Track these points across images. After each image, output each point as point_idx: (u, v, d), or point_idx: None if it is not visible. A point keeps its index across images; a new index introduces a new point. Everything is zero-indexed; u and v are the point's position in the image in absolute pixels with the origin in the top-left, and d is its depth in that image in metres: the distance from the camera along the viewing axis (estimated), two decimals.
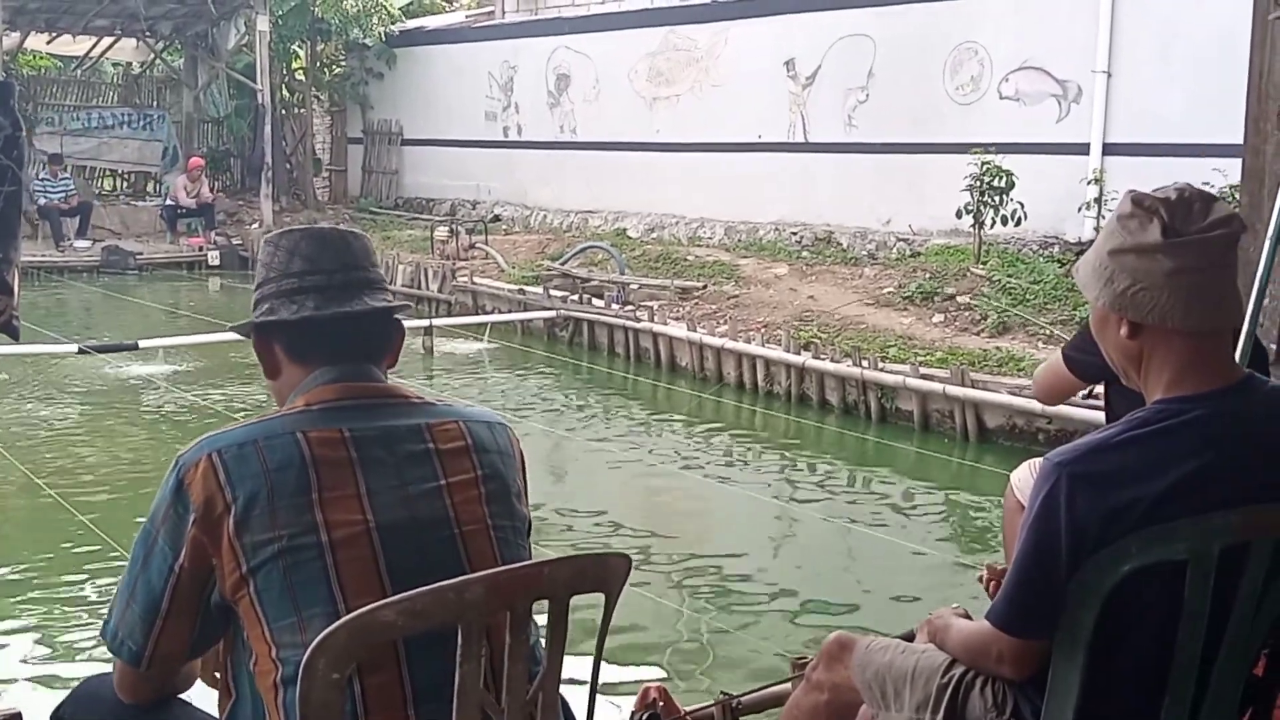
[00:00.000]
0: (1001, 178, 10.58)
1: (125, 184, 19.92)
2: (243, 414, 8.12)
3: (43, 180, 16.47)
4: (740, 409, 9.32)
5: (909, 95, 12.48)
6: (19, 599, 5.37)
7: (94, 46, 20.33)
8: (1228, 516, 1.73)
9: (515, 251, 14.33)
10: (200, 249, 16.77)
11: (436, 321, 11.39)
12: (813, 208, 13.35)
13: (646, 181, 15.13)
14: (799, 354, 9.19)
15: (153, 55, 20.51)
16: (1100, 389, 3.16)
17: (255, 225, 17.22)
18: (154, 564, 1.74)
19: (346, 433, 1.78)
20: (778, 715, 2.56)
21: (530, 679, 1.70)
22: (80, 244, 16.48)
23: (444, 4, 21.40)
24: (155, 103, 20.26)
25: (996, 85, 11.85)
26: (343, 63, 20.19)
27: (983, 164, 10.61)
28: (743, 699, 2.93)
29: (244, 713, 1.75)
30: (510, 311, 12.24)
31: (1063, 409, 6.79)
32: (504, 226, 16.50)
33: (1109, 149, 11.06)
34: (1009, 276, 10.18)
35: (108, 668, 1.91)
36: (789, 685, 2.83)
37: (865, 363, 8.70)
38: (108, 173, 19.86)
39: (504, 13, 18.57)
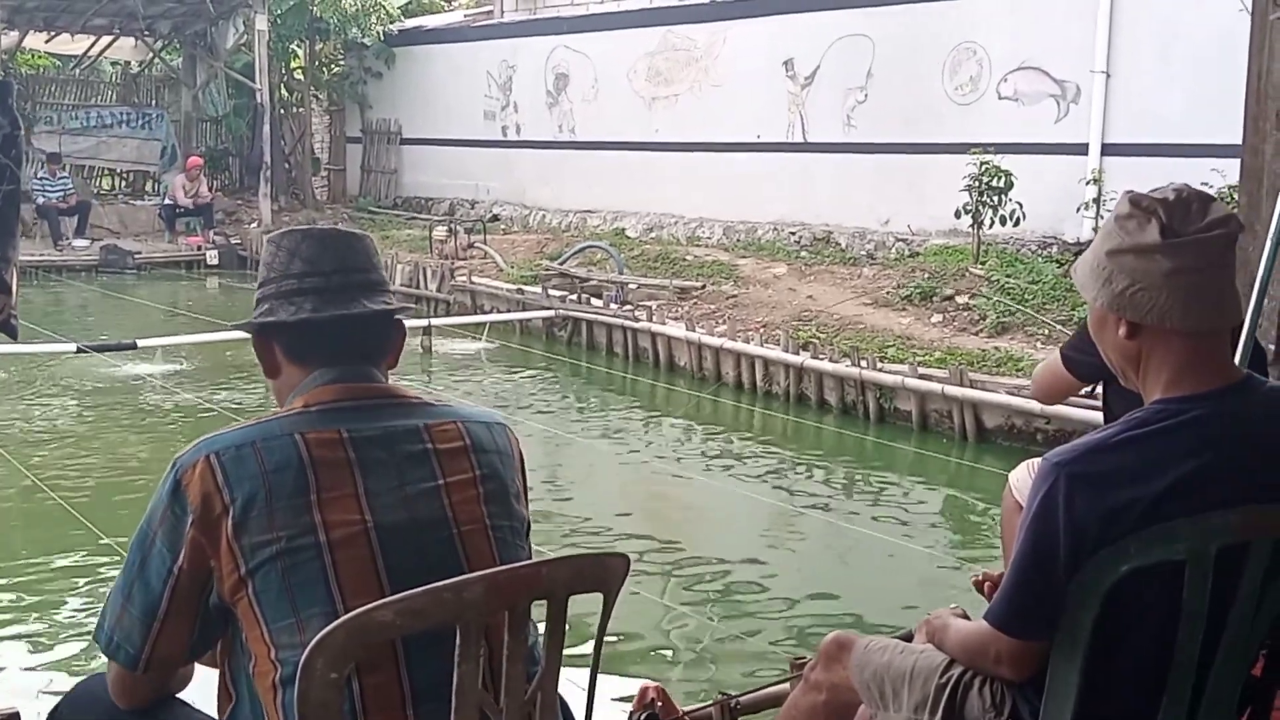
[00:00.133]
0: (1000, 178, 10.58)
1: (124, 183, 19.92)
2: (242, 413, 8.11)
3: (41, 179, 16.46)
4: (739, 409, 9.31)
5: (908, 95, 12.48)
6: (16, 598, 5.36)
7: (92, 45, 20.31)
8: (1226, 517, 1.73)
9: (514, 251, 14.34)
10: (199, 248, 16.76)
11: (435, 321, 11.37)
12: (811, 208, 13.35)
13: (645, 181, 15.13)
14: (797, 354, 9.18)
15: (151, 54, 20.49)
16: (1099, 389, 3.16)
17: (254, 225, 17.23)
18: (152, 566, 1.74)
19: (345, 433, 1.77)
20: (776, 715, 2.56)
21: (529, 679, 1.70)
22: (79, 243, 16.46)
23: (443, 3, 21.39)
24: (154, 102, 20.27)
25: (995, 85, 11.85)
26: (341, 62, 20.19)
27: (981, 164, 10.61)
28: (741, 699, 2.93)
29: (243, 715, 1.75)
30: (509, 311, 12.24)
31: (1061, 409, 6.79)
32: (502, 226, 16.50)
33: (1108, 149, 11.07)
34: (1007, 276, 10.19)
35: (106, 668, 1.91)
36: (787, 685, 2.83)
37: (864, 363, 8.69)
38: (106, 172, 19.86)
39: (503, 12, 18.57)
